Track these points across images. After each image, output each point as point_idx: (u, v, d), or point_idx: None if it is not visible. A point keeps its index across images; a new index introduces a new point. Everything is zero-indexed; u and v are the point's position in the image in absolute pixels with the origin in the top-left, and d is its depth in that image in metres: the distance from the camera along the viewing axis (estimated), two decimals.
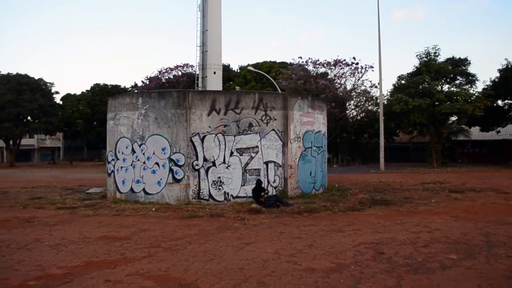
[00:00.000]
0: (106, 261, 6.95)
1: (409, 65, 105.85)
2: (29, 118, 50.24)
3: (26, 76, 49.67)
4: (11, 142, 50.09)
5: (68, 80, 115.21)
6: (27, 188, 19.89)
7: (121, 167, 14.32)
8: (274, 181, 13.96)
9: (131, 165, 13.97)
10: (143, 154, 13.72)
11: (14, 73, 49.40)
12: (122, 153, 14.32)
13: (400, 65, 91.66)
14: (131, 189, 13.96)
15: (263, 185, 13.27)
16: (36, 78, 50.53)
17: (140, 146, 13.80)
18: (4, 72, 49.79)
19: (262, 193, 12.70)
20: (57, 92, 53.48)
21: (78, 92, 57.13)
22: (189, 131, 13.37)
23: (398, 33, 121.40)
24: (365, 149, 48.55)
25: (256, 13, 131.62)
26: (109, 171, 15.02)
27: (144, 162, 13.69)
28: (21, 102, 46.31)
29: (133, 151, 13.94)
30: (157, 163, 13.50)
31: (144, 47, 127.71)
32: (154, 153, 13.57)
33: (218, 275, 6.03)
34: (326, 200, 13.94)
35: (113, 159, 14.76)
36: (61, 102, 54.68)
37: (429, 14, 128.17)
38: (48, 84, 51.73)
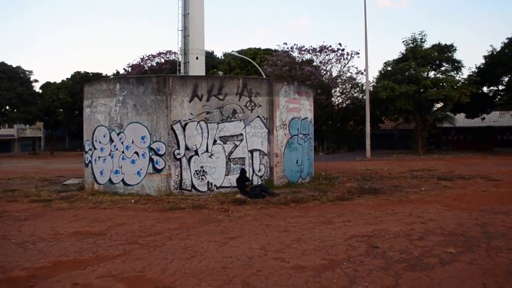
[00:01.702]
0: (77, 260, 6.34)
1: (395, 53, 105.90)
2: (7, 107, 48.72)
3: (3, 63, 48.04)
4: None
5: (48, 68, 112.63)
6: (2, 180, 19.02)
7: (99, 157, 13.61)
8: (259, 170, 13.42)
9: (109, 154, 13.27)
10: (122, 143, 13.04)
11: None
12: (100, 142, 13.60)
13: (386, 52, 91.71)
14: (110, 180, 13.29)
15: (247, 175, 12.74)
16: (14, 66, 48.98)
17: (118, 134, 13.10)
18: None
19: (247, 183, 12.17)
20: (36, 81, 52.04)
21: (58, 80, 55.65)
22: (170, 118, 12.71)
23: (384, 21, 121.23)
24: (351, 137, 48.43)
25: (240, 0, 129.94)
26: (86, 162, 14.29)
27: (122, 152, 13.01)
28: None
29: (111, 140, 13.24)
30: (136, 153, 12.83)
31: (126, 34, 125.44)
32: (133, 142, 12.88)
33: (199, 275, 5.47)
34: (314, 189, 13.46)
35: (90, 149, 14.03)
36: (40, 91, 53.16)
37: (413, 1, 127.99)
38: (27, 72, 50.22)
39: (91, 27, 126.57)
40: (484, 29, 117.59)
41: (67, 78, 55.67)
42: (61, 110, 52.93)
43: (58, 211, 10.68)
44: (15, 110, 48.03)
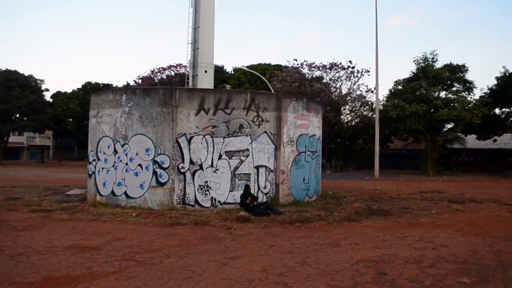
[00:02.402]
0: (69, 276, 6.04)
1: (405, 72, 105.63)
2: (17, 115, 49.03)
3: (15, 72, 48.47)
4: None
5: (59, 78, 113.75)
6: (7, 187, 18.87)
7: (102, 168, 13.39)
8: (265, 187, 13.10)
9: (113, 166, 13.04)
10: (126, 154, 12.81)
11: (3, 69, 48.18)
12: (104, 153, 13.39)
13: (396, 71, 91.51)
14: (112, 192, 13.03)
15: (250, 191, 12.39)
16: (26, 74, 49.42)
17: (122, 146, 12.88)
18: None
19: (249, 199, 11.82)
20: (47, 90, 52.36)
21: (69, 90, 56.09)
22: (175, 131, 12.48)
23: (394, 40, 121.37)
24: (359, 155, 47.92)
25: (252, 16, 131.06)
26: (90, 172, 14.08)
27: (126, 164, 12.77)
28: (10, 99, 45.16)
29: (115, 152, 13.02)
30: (140, 165, 12.59)
31: (137, 46, 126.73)
32: (137, 154, 12.66)
33: None
34: (320, 208, 13.08)
35: (94, 160, 13.83)
36: (51, 100, 53.57)
37: (425, 21, 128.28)
38: (38, 81, 50.71)
39: (103, 38, 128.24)
40: (496, 50, 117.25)
41: (77, 88, 56.12)
42: (71, 119, 53.21)
43: (57, 222, 10.43)
44: (25, 118, 48.31)
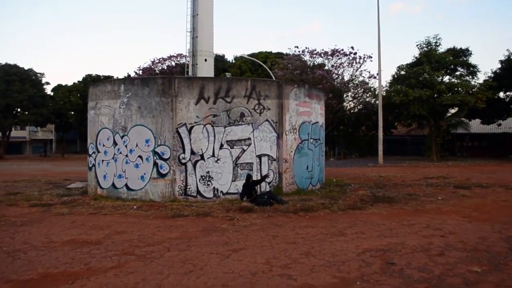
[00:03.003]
0: (66, 273, 5.87)
1: (408, 57, 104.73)
2: (18, 109, 48.84)
3: (15, 66, 48.09)
4: (0, 134, 48.70)
5: (59, 71, 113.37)
6: (8, 182, 18.73)
7: (102, 161, 13.19)
8: (267, 173, 12.87)
9: (113, 158, 12.84)
10: (126, 146, 12.60)
11: (3, 63, 47.86)
12: (103, 145, 13.18)
13: (399, 56, 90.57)
14: (113, 185, 12.85)
15: (253, 179, 12.16)
16: (26, 68, 49.11)
17: (122, 137, 12.67)
18: None
19: (254, 187, 11.61)
20: (47, 83, 51.95)
21: (70, 83, 55.74)
22: (175, 121, 12.25)
23: (396, 26, 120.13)
24: (363, 142, 47.60)
25: (252, 5, 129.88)
26: (90, 165, 13.89)
27: (126, 155, 12.57)
28: (10, 93, 44.88)
29: (115, 143, 12.81)
30: (140, 156, 12.39)
31: (138, 37, 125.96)
32: (137, 145, 12.44)
33: None
34: (324, 197, 12.87)
35: (94, 152, 13.63)
36: (52, 93, 53.30)
37: (426, 7, 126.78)
38: (39, 74, 50.29)
39: (103, 29, 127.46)
40: (500, 33, 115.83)
41: (78, 81, 55.73)
42: (72, 112, 52.99)
43: (57, 216, 10.27)
44: (26, 112, 48.12)
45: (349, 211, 10.44)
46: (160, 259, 6.43)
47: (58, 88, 54.31)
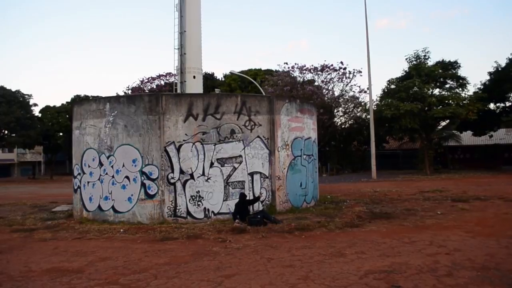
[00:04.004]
0: None
1: (396, 72, 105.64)
2: (5, 131, 48.06)
3: (2, 88, 47.55)
4: None
5: (47, 92, 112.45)
6: None
7: (88, 182, 12.65)
8: (260, 194, 12.39)
9: (99, 179, 12.31)
10: (112, 167, 12.09)
11: None
12: (89, 166, 12.66)
13: (387, 72, 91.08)
14: (99, 207, 12.29)
15: (247, 199, 11.70)
16: (14, 90, 48.51)
17: (108, 158, 12.16)
18: None
19: (249, 207, 11.16)
20: (35, 104, 51.41)
21: (58, 104, 55.13)
22: (163, 139, 11.79)
23: (383, 41, 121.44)
24: (355, 157, 47.37)
25: (241, 23, 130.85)
26: (75, 187, 13.34)
27: (112, 176, 12.05)
28: None
29: (101, 164, 12.30)
30: (127, 177, 11.87)
31: (127, 57, 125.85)
32: (124, 165, 11.94)
33: None
34: (320, 214, 12.40)
35: (79, 173, 13.08)
36: (40, 115, 52.64)
37: (412, 22, 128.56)
38: (26, 96, 49.75)
39: (91, 49, 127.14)
40: (487, 45, 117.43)
41: (67, 102, 55.11)
42: (61, 134, 52.25)
43: (39, 242, 9.70)
44: (14, 135, 47.36)
45: (346, 229, 9.97)
46: None
47: (46, 110, 53.68)
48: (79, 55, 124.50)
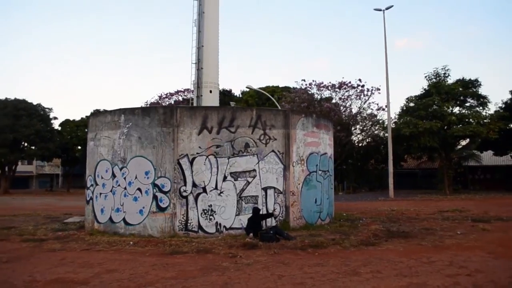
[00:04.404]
0: None
1: (415, 91, 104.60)
2: (25, 144, 48.90)
3: (24, 101, 48.52)
4: (6, 168, 48.53)
5: (68, 106, 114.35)
6: (6, 216, 18.11)
7: (100, 194, 12.58)
8: (274, 210, 12.14)
9: (111, 191, 12.22)
10: (124, 178, 12.00)
11: (12, 98, 48.26)
12: (102, 178, 12.60)
13: (405, 91, 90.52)
14: (110, 219, 12.17)
15: (261, 213, 11.46)
16: (35, 103, 49.47)
17: (121, 169, 12.09)
18: (2, 97, 48.67)
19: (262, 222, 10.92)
20: (55, 118, 52.19)
21: (78, 118, 55.98)
22: (177, 152, 11.67)
23: (402, 61, 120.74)
24: (372, 176, 46.67)
25: (259, 41, 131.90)
26: (88, 198, 13.27)
27: (125, 188, 11.95)
28: (18, 128, 45.03)
29: (114, 175, 12.22)
30: (139, 189, 11.75)
31: (146, 72, 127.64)
32: (136, 177, 11.84)
33: None
34: (334, 232, 12.04)
35: (92, 185, 13.03)
36: (59, 128, 53.48)
37: (431, 41, 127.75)
38: (47, 109, 50.63)
39: (111, 64, 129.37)
40: (508, 64, 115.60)
41: (86, 116, 55.85)
42: (79, 147, 52.91)
43: (47, 252, 9.59)
44: (33, 147, 48.15)
45: (362, 247, 9.61)
46: None
47: (65, 123, 54.52)
48: (99, 70, 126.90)
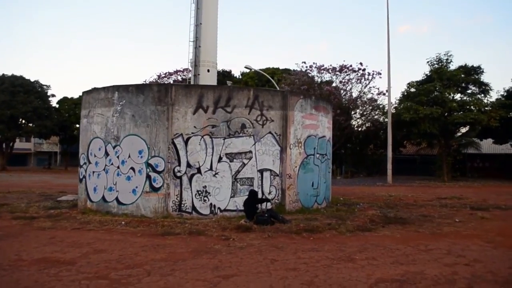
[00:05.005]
0: None
1: (417, 76, 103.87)
2: (22, 120, 48.54)
3: (21, 77, 48.04)
4: (4, 145, 48.27)
5: (66, 84, 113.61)
6: (0, 193, 17.91)
7: (93, 172, 12.33)
8: (269, 193, 11.92)
9: (104, 169, 11.97)
10: (117, 157, 11.73)
11: (9, 74, 47.69)
12: (95, 156, 12.33)
13: (407, 75, 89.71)
14: (103, 198, 11.95)
15: (258, 197, 11.24)
16: (32, 80, 48.93)
17: (114, 148, 11.82)
18: None
19: (259, 206, 10.71)
20: (53, 95, 51.76)
21: (76, 96, 55.47)
22: (171, 131, 11.38)
23: (405, 46, 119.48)
24: (371, 161, 46.43)
25: (260, 22, 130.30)
26: (81, 177, 13.02)
27: (118, 167, 11.69)
28: (15, 104, 44.64)
29: (107, 154, 11.96)
30: (132, 168, 11.50)
31: (145, 51, 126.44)
32: (129, 156, 11.57)
33: None
34: (331, 216, 11.84)
35: (85, 163, 12.78)
36: (57, 106, 53.04)
37: (434, 28, 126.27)
38: (44, 86, 50.18)
39: (110, 43, 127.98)
40: (511, 52, 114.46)
41: None
42: (77, 125, 52.58)
43: (37, 231, 9.38)
44: (30, 124, 47.82)
45: (358, 233, 9.40)
46: (136, 285, 5.49)
47: (63, 101, 54.07)
48: (98, 48, 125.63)
